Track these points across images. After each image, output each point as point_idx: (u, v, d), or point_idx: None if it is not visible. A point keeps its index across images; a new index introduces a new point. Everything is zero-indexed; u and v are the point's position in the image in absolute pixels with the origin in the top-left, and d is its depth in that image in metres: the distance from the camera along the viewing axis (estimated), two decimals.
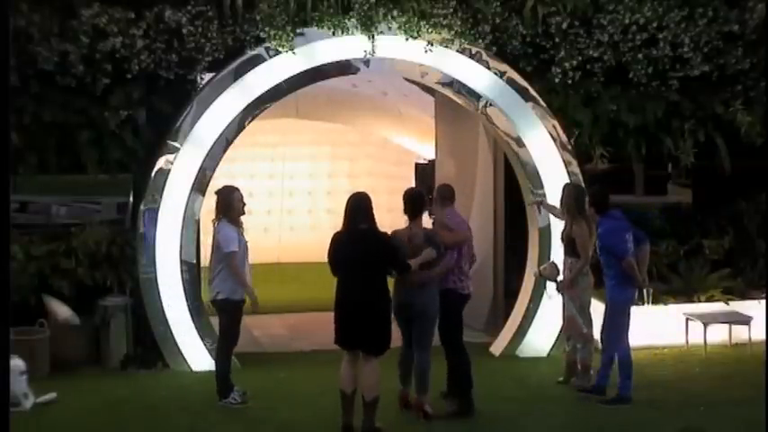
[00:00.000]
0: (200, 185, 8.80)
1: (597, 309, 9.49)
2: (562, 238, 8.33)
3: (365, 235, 6.92)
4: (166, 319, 8.73)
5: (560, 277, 8.24)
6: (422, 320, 7.31)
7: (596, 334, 9.60)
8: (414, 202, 7.36)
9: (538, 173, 9.34)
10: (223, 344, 7.80)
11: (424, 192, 7.79)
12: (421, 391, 7.39)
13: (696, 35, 9.66)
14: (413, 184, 12.66)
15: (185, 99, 8.96)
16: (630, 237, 7.80)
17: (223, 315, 7.73)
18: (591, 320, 8.23)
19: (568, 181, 9.02)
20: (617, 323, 7.85)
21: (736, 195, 10.51)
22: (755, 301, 9.77)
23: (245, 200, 7.87)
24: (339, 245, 7.00)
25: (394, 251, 7.04)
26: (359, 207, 6.94)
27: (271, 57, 8.93)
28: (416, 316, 7.30)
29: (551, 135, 9.41)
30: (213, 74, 9.02)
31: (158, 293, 8.72)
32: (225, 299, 7.61)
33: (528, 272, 9.48)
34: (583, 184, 8.92)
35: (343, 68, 9.25)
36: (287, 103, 10.39)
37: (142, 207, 8.76)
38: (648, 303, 9.59)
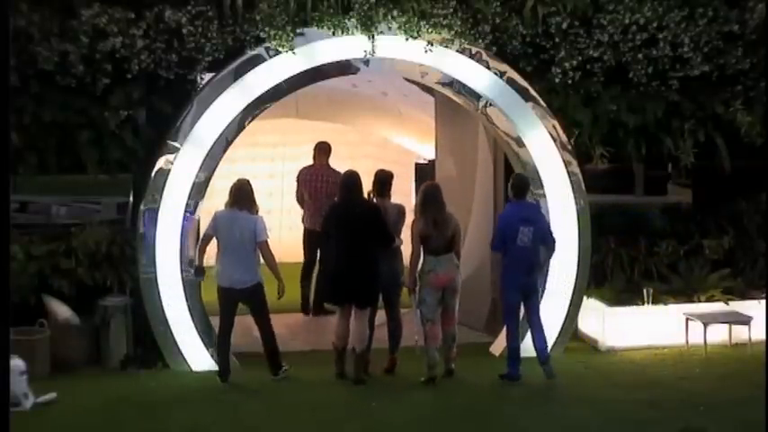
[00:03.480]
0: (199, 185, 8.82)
1: (598, 308, 9.54)
2: None
3: (362, 204, 8.24)
4: (166, 319, 8.73)
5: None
6: (398, 288, 8.46)
7: (594, 332, 9.64)
8: (383, 183, 8.61)
9: (538, 173, 9.33)
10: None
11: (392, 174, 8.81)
12: (397, 348, 8.52)
13: (696, 35, 9.64)
14: (413, 184, 12.68)
15: (185, 99, 8.95)
16: (529, 230, 8.08)
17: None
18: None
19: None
20: (503, 309, 8.21)
21: (736, 195, 10.49)
22: (755, 301, 9.75)
23: None
24: (337, 211, 8.27)
25: (385, 222, 8.23)
26: (353, 182, 8.30)
27: (271, 57, 8.92)
28: (395, 284, 8.40)
29: (551, 135, 9.40)
30: (213, 74, 9.01)
31: (158, 293, 8.71)
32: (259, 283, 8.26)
33: None
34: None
35: (343, 68, 9.24)
36: (287, 103, 10.38)
37: (142, 207, 8.75)
38: (648, 303, 9.59)
